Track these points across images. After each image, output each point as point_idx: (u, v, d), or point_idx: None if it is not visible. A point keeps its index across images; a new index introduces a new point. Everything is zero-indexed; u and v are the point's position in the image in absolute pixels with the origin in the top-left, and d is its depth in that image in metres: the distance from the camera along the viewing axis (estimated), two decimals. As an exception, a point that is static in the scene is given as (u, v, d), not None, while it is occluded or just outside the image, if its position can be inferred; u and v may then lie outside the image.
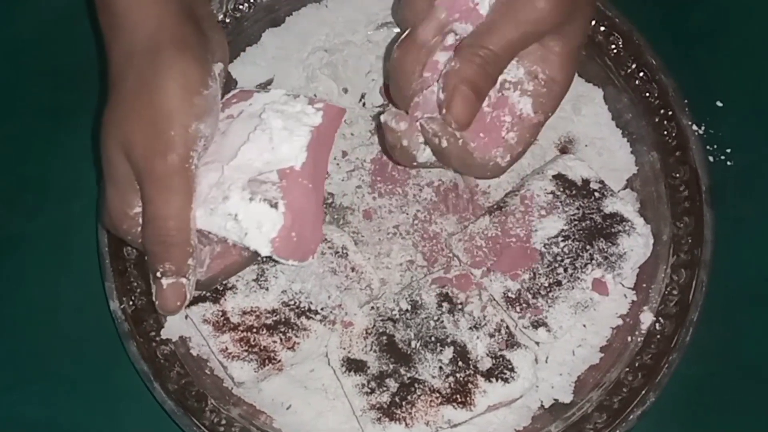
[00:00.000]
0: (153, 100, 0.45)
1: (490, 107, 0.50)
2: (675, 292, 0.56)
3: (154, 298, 0.47)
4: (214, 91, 0.48)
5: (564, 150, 0.61)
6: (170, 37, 0.46)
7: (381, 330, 0.55)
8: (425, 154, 0.51)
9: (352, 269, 0.56)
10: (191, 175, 0.46)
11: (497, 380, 0.53)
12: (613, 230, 0.56)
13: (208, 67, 0.48)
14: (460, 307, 0.55)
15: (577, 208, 0.57)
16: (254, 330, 0.54)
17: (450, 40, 0.49)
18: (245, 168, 0.48)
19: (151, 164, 0.45)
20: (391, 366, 0.54)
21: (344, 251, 0.57)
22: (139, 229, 0.47)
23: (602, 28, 0.61)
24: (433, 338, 0.54)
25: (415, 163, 0.51)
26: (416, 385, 0.53)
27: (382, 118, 0.50)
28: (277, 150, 0.48)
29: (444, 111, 0.47)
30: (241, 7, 0.62)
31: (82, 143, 0.61)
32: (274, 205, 0.47)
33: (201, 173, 0.47)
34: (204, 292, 0.54)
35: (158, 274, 0.46)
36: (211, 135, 0.48)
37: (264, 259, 0.52)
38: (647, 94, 0.60)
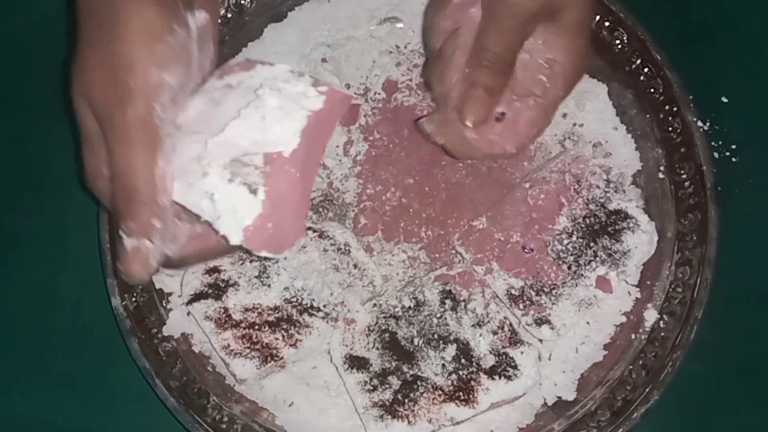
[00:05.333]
0: (111, 47, 0.42)
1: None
2: (679, 290, 0.56)
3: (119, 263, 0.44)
4: (182, 38, 0.44)
5: (567, 146, 0.61)
6: None
7: (383, 327, 0.55)
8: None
9: (355, 266, 0.56)
10: (154, 128, 0.43)
11: (500, 378, 0.53)
12: (617, 227, 0.56)
13: (175, 12, 0.44)
14: (463, 304, 0.55)
15: (581, 205, 0.57)
16: (256, 327, 0.53)
17: None
18: (231, 145, 0.44)
19: (110, 116, 0.42)
20: (394, 363, 0.53)
21: (347, 248, 0.56)
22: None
23: (607, 24, 0.60)
24: (435, 335, 0.54)
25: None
26: (419, 383, 0.53)
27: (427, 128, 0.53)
28: (268, 131, 0.44)
29: (460, 114, 0.50)
30: (242, 2, 0.62)
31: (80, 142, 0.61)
32: (254, 191, 0.43)
33: (185, 143, 0.44)
34: (205, 289, 0.54)
35: (121, 233, 0.43)
36: (182, 87, 0.44)
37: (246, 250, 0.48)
38: (652, 90, 0.60)
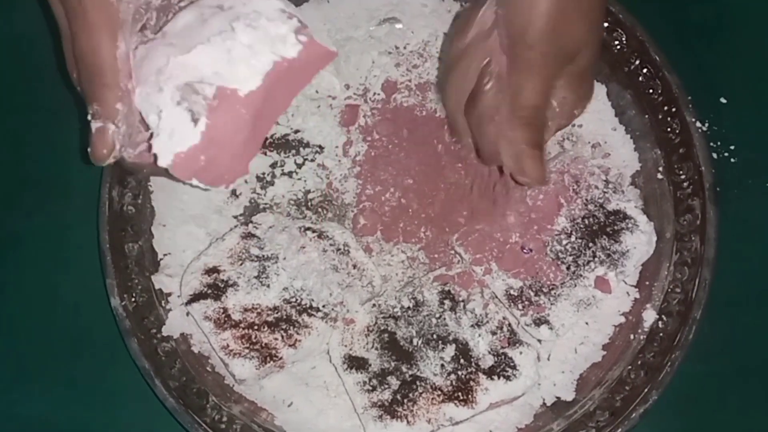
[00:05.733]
0: None
1: None
2: (678, 290, 0.56)
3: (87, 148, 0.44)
4: None
5: (566, 147, 0.61)
6: None
7: (383, 327, 0.55)
8: None
9: (354, 266, 0.56)
10: (112, 9, 0.43)
11: (499, 378, 0.53)
12: (616, 228, 0.56)
13: None
14: (462, 304, 0.55)
15: (580, 206, 0.57)
16: (256, 327, 0.54)
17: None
18: (191, 69, 0.44)
19: None
20: (393, 363, 0.53)
21: (346, 248, 0.56)
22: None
23: (606, 24, 0.60)
24: (434, 336, 0.54)
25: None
26: (418, 383, 0.53)
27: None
28: (231, 66, 0.44)
29: (518, 176, 0.49)
30: (242, 2, 0.62)
31: (80, 141, 0.61)
32: (195, 120, 0.43)
33: (159, 52, 0.44)
34: (205, 289, 0.54)
35: (88, 117, 0.44)
36: None
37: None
38: (651, 91, 0.60)
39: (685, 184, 0.58)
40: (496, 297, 0.56)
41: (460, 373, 0.53)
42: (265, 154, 0.61)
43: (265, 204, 0.60)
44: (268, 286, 0.55)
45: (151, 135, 0.44)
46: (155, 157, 0.43)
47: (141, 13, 0.45)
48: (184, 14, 0.46)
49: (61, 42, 0.46)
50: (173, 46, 0.44)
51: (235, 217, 0.60)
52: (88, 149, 0.44)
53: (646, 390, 0.54)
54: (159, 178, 0.58)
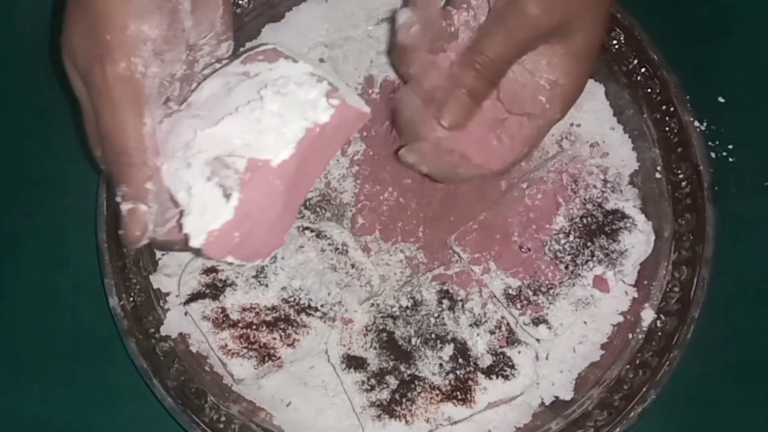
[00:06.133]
0: (88, 3, 0.41)
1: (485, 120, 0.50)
2: (676, 289, 0.56)
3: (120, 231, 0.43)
4: None
5: (565, 146, 0.61)
6: None
7: (381, 327, 0.55)
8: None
9: (352, 266, 0.56)
10: (138, 84, 0.41)
11: (498, 377, 0.53)
12: (614, 227, 0.56)
13: None
14: (460, 304, 0.55)
15: (578, 205, 0.57)
16: (254, 327, 0.53)
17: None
18: (220, 141, 0.42)
19: (92, 74, 0.41)
20: (391, 363, 0.53)
21: (344, 248, 0.56)
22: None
23: (604, 24, 0.60)
24: (433, 335, 0.54)
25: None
26: (416, 382, 0.53)
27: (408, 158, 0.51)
28: (261, 136, 0.41)
29: (438, 111, 0.47)
30: (240, 2, 0.62)
31: (78, 141, 0.61)
32: (227, 196, 0.41)
33: (185, 124, 0.43)
34: (203, 289, 0.54)
35: (117, 199, 0.42)
36: (167, 40, 0.42)
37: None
38: (649, 90, 0.60)
39: (684, 183, 0.58)
40: (495, 296, 0.56)
41: (458, 372, 0.53)
42: None
43: (264, 204, 0.60)
44: (267, 285, 0.55)
45: (181, 212, 0.42)
46: (187, 237, 0.41)
47: (165, 86, 0.43)
48: (209, 83, 0.44)
49: (83, 119, 0.44)
50: (200, 118, 0.43)
51: (234, 216, 0.60)
52: (120, 232, 0.43)
53: (644, 389, 0.54)
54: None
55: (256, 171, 0.41)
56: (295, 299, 0.54)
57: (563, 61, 0.48)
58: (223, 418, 0.54)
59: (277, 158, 0.41)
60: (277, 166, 0.41)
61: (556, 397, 0.56)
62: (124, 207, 0.42)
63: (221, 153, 0.41)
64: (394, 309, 0.55)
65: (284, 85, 0.42)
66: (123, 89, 0.41)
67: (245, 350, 0.53)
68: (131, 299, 0.55)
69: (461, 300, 0.56)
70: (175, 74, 0.44)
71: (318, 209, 0.60)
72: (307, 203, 0.60)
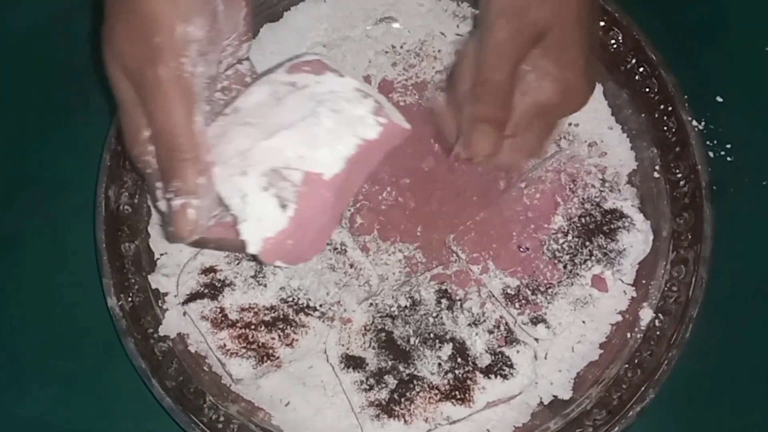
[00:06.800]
0: (135, 6, 0.42)
1: None
2: (674, 289, 0.56)
3: (170, 227, 0.44)
4: None
5: (563, 145, 0.61)
6: None
7: (380, 326, 0.55)
8: None
9: (351, 266, 0.56)
10: (188, 83, 0.43)
11: (496, 377, 0.53)
12: (612, 226, 0.56)
13: None
14: (459, 303, 0.55)
15: (577, 204, 0.57)
16: (252, 327, 0.53)
17: None
18: (276, 153, 0.44)
19: (143, 75, 0.42)
20: (390, 363, 0.53)
21: (343, 248, 0.56)
22: (150, 156, 0.45)
23: (602, 23, 0.60)
24: (431, 335, 0.54)
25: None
26: (415, 382, 0.53)
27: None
28: (316, 150, 0.44)
29: (465, 150, 0.49)
30: (238, 2, 0.62)
31: (77, 140, 0.61)
32: (284, 206, 0.43)
33: (237, 131, 0.44)
34: (201, 289, 0.54)
35: (169, 195, 0.43)
36: (209, 41, 0.44)
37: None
38: (647, 90, 0.60)
39: (682, 182, 0.58)
40: (493, 296, 0.56)
41: (457, 372, 0.53)
42: None
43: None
44: (265, 285, 0.55)
45: (222, 212, 0.45)
46: (244, 243, 0.43)
47: (206, 86, 0.45)
48: (255, 90, 0.46)
49: (122, 121, 0.45)
50: (251, 126, 0.44)
51: (232, 216, 0.60)
52: (170, 229, 0.44)
53: (643, 388, 0.54)
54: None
55: (311, 184, 0.43)
56: (293, 299, 0.54)
57: (550, 68, 0.48)
58: (221, 418, 0.54)
59: (329, 172, 0.44)
60: (329, 179, 0.44)
61: (554, 396, 0.56)
62: (177, 203, 0.43)
63: (277, 165, 0.43)
64: (392, 309, 0.55)
65: (337, 102, 0.44)
66: (175, 88, 0.42)
67: (244, 350, 0.53)
68: (130, 299, 0.55)
69: (460, 299, 0.56)
70: (213, 75, 0.45)
71: (316, 209, 0.60)
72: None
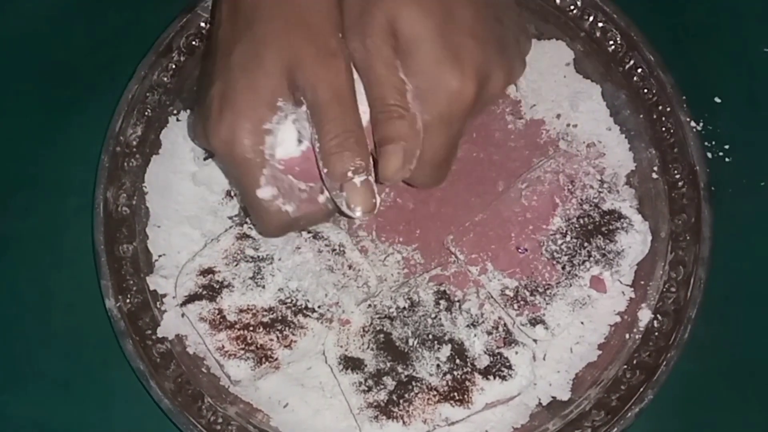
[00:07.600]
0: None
1: None
2: (673, 290, 0.56)
3: (344, 208, 0.46)
4: None
5: (561, 146, 0.61)
6: None
7: (378, 328, 0.55)
8: None
9: (350, 267, 0.56)
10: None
11: (495, 378, 0.53)
12: (611, 227, 0.56)
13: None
14: (457, 304, 0.55)
15: (575, 205, 0.57)
16: (251, 328, 0.53)
17: None
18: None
19: (354, 49, 0.46)
20: (389, 364, 0.53)
21: (341, 249, 0.56)
22: (262, 146, 0.46)
23: (600, 24, 0.60)
24: (430, 336, 0.54)
25: None
26: (413, 383, 0.53)
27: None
28: None
29: (382, 175, 0.48)
30: (236, 3, 0.62)
31: (75, 141, 0.61)
32: None
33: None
34: (200, 290, 0.54)
35: (350, 174, 0.45)
36: None
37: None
38: (645, 91, 0.60)
39: (680, 183, 0.58)
40: (492, 297, 0.56)
41: (455, 373, 0.53)
42: None
43: (261, 205, 0.60)
44: (264, 287, 0.54)
45: (311, 188, 0.48)
46: (327, 208, 0.48)
47: None
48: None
49: (229, 103, 0.46)
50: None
51: (230, 218, 0.59)
52: (350, 206, 0.46)
53: (641, 389, 0.54)
54: (153, 179, 0.58)
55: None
56: (292, 300, 0.54)
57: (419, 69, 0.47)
58: (220, 420, 0.54)
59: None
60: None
61: (553, 397, 0.56)
62: (359, 180, 0.46)
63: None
64: (391, 310, 0.55)
65: None
66: (350, 89, 0.46)
67: (242, 352, 0.53)
68: (128, 301, 0.55)
69: (458, 301, 0.56)
70: None
71: (315, 210, 0.60)
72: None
